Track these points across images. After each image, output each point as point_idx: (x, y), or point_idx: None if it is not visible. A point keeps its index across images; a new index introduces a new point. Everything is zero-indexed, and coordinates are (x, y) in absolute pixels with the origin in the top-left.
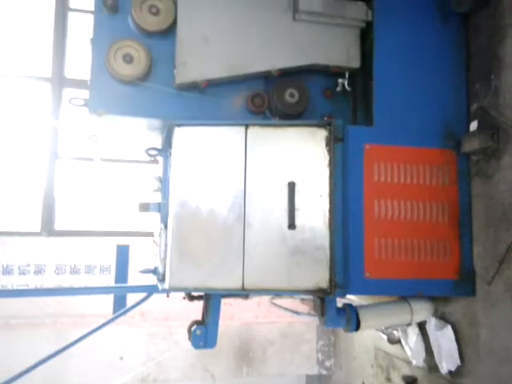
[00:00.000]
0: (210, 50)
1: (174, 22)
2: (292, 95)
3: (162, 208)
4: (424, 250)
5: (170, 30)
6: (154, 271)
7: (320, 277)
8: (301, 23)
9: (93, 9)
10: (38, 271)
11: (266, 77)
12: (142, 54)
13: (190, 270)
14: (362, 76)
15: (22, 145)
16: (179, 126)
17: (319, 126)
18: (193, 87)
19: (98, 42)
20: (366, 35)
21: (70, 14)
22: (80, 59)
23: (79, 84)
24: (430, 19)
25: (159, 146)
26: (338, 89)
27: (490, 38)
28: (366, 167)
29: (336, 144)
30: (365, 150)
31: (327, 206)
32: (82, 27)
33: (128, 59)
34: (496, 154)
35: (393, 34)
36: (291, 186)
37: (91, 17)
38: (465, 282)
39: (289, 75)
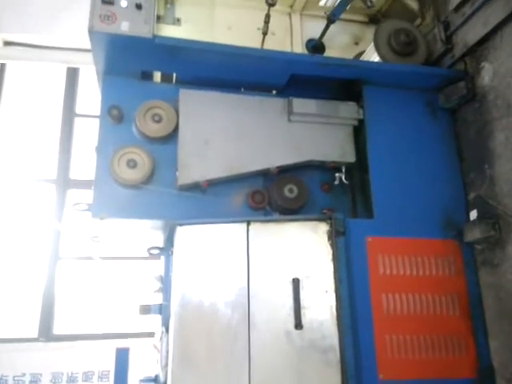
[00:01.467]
0: (210, 151)
1: (176, 128)
2: (291, 191)
3: (164, 310)
4: (438, 346)
5: (172, 135)
6: (155, 379)
7: (332, 382)
8: (296, 124)
9: (97, 113)
10: (34, 381)
11: (264, 174)
12: (146, 159)
13: (193, 380)
14: (359, 169)
15: (23, 247)
16: (181, 225)
17: (320, 220)
18: (194, 187)
19: (103, 150)
20: (359, 131)
21: (76, 119)
22: (85, 161)
23: (83, 185)
24: (419, 114)
25: (161, 244)
26: (336, 182)
27: (478, 131)
28: (370, 260)
29: (338, 238)
30: (367, 242)
31: (334, 303)
32: (87, 130)
33: (132, 164)
34: (499, 242)
35: (384, 130)
36: (296, 283)
37: (96, 121)
38: (484, 380)
39: (287, 171)
